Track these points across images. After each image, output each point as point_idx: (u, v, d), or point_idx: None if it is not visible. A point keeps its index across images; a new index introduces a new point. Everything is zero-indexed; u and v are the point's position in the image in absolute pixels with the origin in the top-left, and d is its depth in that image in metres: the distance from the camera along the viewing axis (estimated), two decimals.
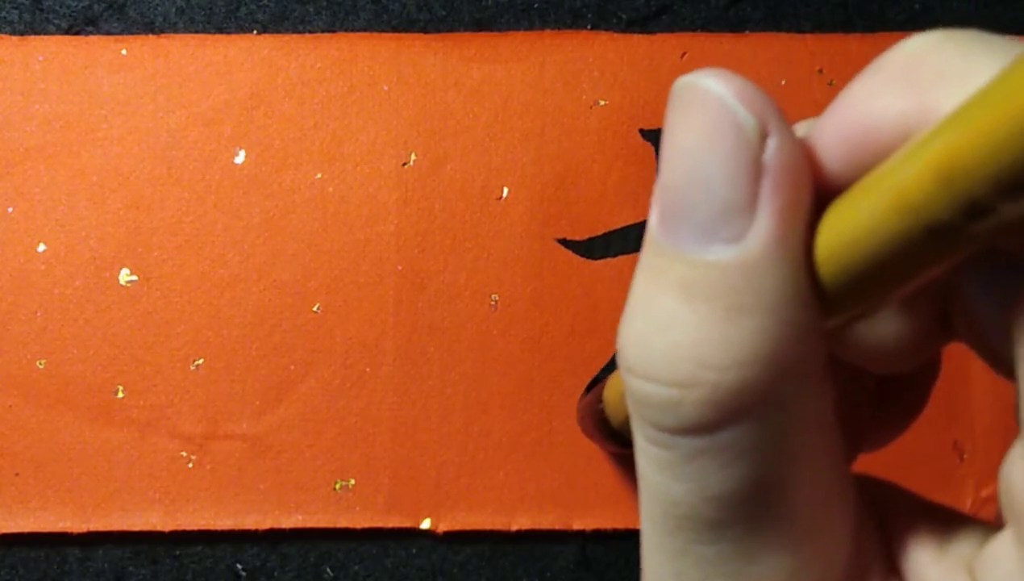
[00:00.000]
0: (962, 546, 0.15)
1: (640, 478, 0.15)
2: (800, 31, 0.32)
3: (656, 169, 0.32)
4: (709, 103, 0.13)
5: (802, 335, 0.13)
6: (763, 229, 0.13)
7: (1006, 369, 0.14)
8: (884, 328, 0.15)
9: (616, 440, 0.27)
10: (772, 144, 0.13)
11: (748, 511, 0.14)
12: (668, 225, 0.13)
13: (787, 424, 0.13)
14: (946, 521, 0.15)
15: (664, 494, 0.14)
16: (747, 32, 0.32)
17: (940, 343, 0.15)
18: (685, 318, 0.13)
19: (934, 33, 0.13)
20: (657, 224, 0.14)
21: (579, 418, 0.30)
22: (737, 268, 0.13)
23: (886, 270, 0.13)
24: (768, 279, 0.13)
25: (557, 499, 0.31)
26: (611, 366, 0.31)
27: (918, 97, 0.13)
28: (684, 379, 0.13)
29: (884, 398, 0.17)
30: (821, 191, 0.14)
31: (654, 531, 0.15)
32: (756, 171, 0.13)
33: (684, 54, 0.32)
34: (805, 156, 0.14)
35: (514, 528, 0.30)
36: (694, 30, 0.32)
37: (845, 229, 0.13)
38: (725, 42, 0.32)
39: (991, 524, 0.15)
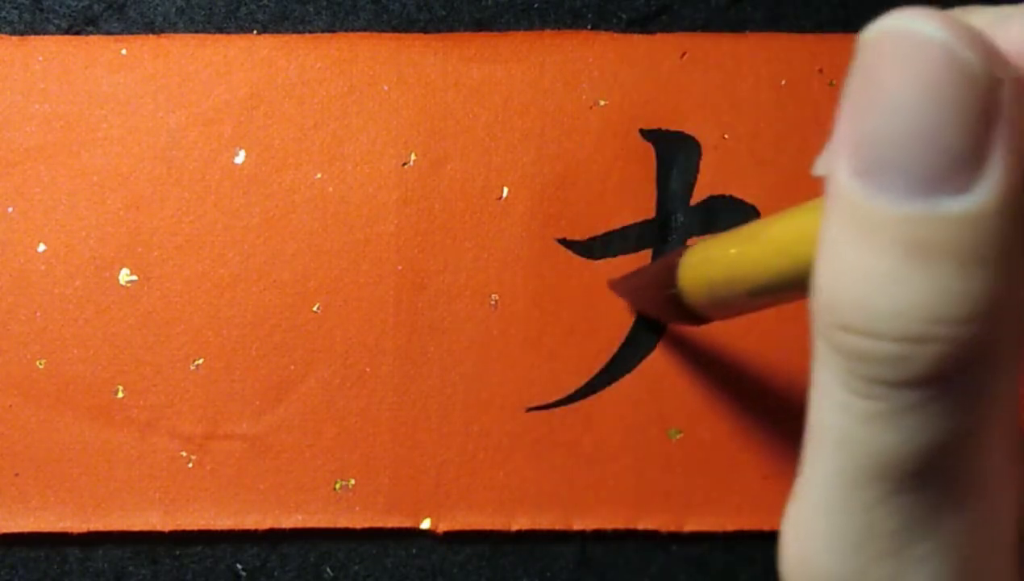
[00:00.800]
0: None
1: (828, 432, 0.15)
2: (800, 31, 0.32)
3: (655, 164, 0.32)
4: (931, 51, 0.13)
5: None
6: (998, 178, 0.13)
7: None
8: None
9: (690, 318, 0.26)
10: (1007, 88, 0.13)
11: (962, 459, 0.14)
12: (877, 180, 0.13)
13: (1008, 373, 0.13)
14: None
15: (867, 447, 0.14)
16: (747, 32, 0.32)
17: None
18: (911, 275, 0.13)
19: None
20: (855, 179, 0.13)
21: (628, 294, 0.30)
22: (972, 220, 0.13)
23: None
24: (1005, 230, 0.13)
25: (557, 499, 0.31)
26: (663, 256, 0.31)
27: None
28: (916, 336, 0.13)
29: None
30: None
31: (843, 485, 0.15)
32: (988, 118, 0.13)
33: (684, 54, 0.32)
34: None
35: (514, 528, 0.30)
36: (694, 30, 0.32)
37: None
38: (725, 42, 0.32)
39: None
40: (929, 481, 0.14)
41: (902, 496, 0.14)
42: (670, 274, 0.26)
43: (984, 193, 0.13)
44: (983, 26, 0.14)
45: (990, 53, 0.13)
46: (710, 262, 0.23)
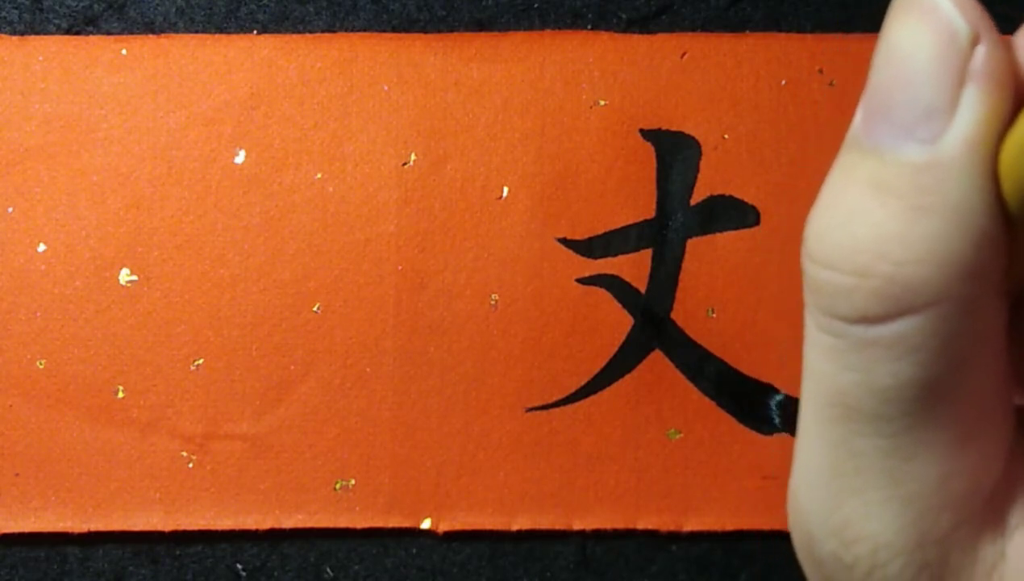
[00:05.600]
0: None
1: (806, 367, 0.15)
2: (800, 31, 0.32)
3: (655, 164, 0.32)
4: (926, 7, 0.14)
5: (982, 242, 0.14)
6: (959, 133, 0.13)
7: None
8: None
9: None
10: (981, 52, 0.13)
11: (911, 408, 0.14)
12: (869, 122, 0.14)
13: (957, 327, 0.14)
14: None
15: (830, 383, 0.14)
16: (747, 32, 0.32)
17: None
18: (871, 211, 0.14)
19: None
20: (860, 122, 0.14)
21: None
22: (928, 168, 0.13)
23: None
24: (956, 182, 0.13)
25: (557, 499, 0.31)
26: None
27: None
28: (861, 269, 0.14)
29: None
30: (1020, 104, 0.14)
31: (815, 420, 0.15)
32: (961, 77, 0.13)
33: (684, 54, 0.32)
34: (1012, 70, 0.14)
35: (514, 528, 0.30)
36: (694, 30, 0.32)
37: (1019, 140, 0.13)
38: (725, 42, 0.32)
39: None
40: (884, 429, 0.14)
41: (861, 439, 0.14)
42: None
43: (944, 145, 0.13)
44: None
45: (977, 17, 0.14)
46: None
